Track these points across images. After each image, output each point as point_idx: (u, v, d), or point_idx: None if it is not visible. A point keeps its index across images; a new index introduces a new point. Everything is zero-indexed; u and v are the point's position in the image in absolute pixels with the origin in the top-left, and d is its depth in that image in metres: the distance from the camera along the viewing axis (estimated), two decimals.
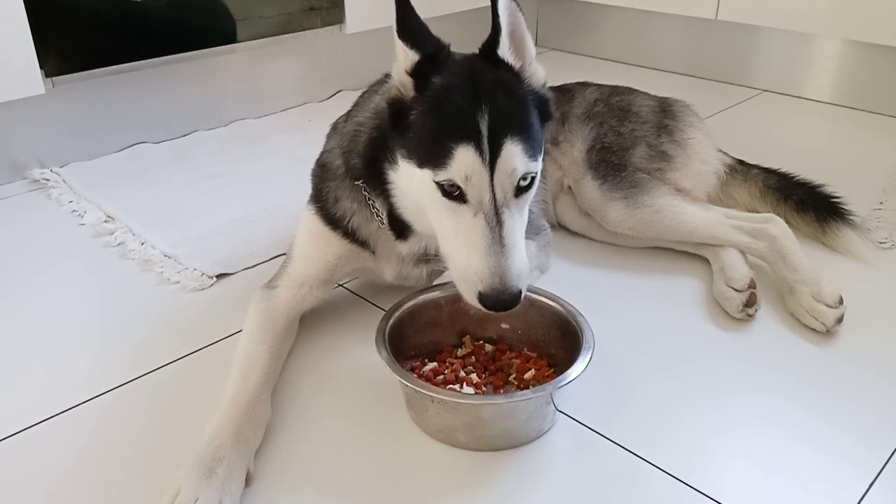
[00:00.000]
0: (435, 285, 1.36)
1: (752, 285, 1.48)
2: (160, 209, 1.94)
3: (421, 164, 1.15)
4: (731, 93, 2.79)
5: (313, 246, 1.41)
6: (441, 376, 1.26)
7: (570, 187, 1.76)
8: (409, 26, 1.15)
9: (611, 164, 1.66)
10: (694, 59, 2.97)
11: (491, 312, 1.13)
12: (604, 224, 1.68)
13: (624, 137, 1.70)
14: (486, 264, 1.10)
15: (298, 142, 2.33)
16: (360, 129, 1.32)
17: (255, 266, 1.69)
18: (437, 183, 1.12)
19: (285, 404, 1.26)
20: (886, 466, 1.13)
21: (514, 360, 1.31)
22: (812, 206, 1.71)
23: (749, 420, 1.23)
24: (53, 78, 2.10)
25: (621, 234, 1.68)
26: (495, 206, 1.12)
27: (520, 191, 1.14)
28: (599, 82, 1.90)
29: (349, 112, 1.42)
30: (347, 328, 1.47)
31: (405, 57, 1.16)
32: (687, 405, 1.26)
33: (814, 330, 1.43)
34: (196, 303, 1.57)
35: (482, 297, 1.11)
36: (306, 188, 1.46)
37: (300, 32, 2.60)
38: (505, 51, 1.18)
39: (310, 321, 1.46)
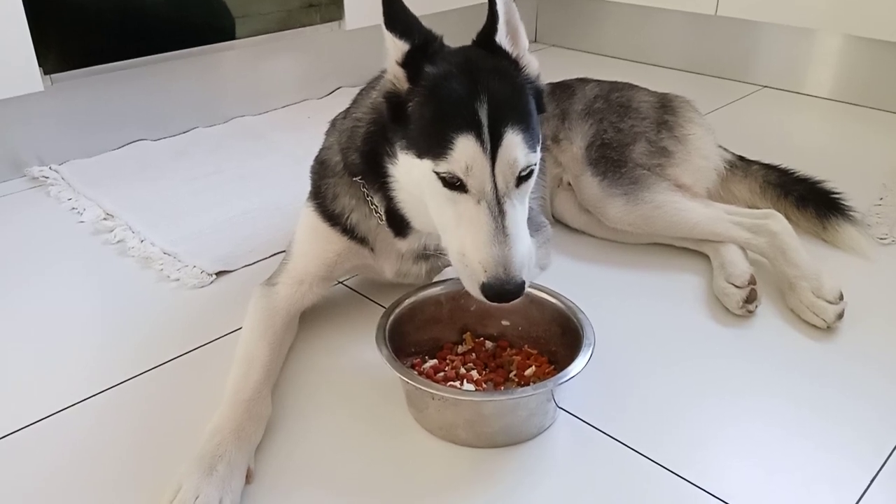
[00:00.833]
0: (435, 282, 1.36)
1: (752, 281, 1.47)
2: (160, 206, 1.94)
3: (420, 155, 1.13)
4: (731, 89, 2.79)
5: (312, 243, 1.41)
6: (441, 373, 1.25)
7: (569, 183, 1.75)
8: (397, 17, 1.14)
9: (611, 160, 1.66)
10: (694, 56, 2.97)
11: (493, 304, 1.11)
12: (604, 220, 1.67)
13: (624, 133, 1.70)
14: (491, 254, 1.08)
15: (298, 139, 2.32)
16: (357, 125, 1.32)
17: (254, 263, 1.68)
18: (437, 174, 1.11)
19: (286, 401, 1.26)
20: (887, 463, 1.13)
21: (514, 356, 1.30)
22: (812, 201, 1.71)
23: (749, 416, 1.23)
24: (52, 75, 2.09)
25: (621, 231, 1.68)
26: (497, 195, 1.10)
27: (520, 180, 1.13)
28: (599, 78, 1.90)
29: (348, 109, 1.41)
30: (347, 325, 1.46)
31: (395, 48, 1.15)
32: (687, 402, 1.26)
33: (814, 326, 1.43)
34: (196, 300, 1.57)
35: (485, 288, 1.09)
36: (306, 185, 1.46)
37: (299, 29, 2.60)
38: (503, 38, 1.17)
39: (310, 318, 1.46)
